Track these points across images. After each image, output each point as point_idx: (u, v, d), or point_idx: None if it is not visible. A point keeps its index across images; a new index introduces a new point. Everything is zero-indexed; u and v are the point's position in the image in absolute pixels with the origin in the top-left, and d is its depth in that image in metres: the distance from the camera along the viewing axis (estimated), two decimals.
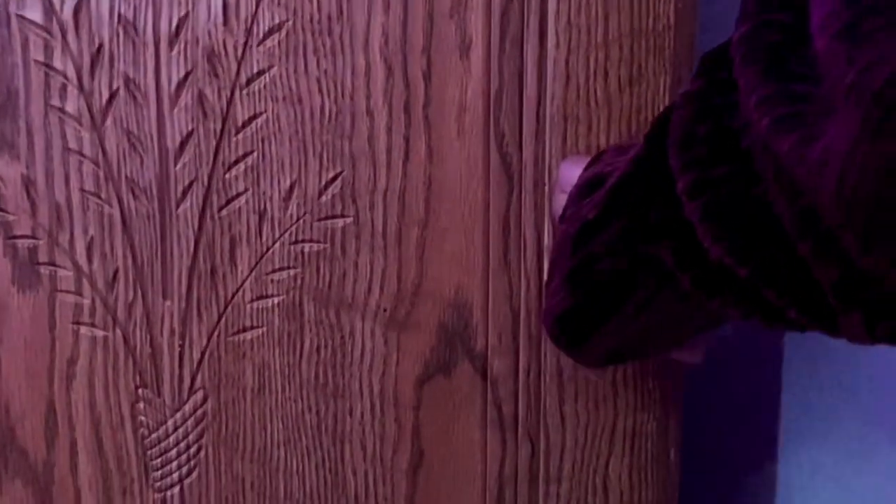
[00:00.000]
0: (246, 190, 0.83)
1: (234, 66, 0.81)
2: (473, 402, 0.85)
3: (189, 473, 0.87)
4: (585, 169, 0.72)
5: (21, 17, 0.81)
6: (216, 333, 0.85)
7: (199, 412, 0.86)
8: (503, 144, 0.81)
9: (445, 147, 0.82)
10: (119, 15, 0.81)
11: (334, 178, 0.83)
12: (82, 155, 0.83)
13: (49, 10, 0.81)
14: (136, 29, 0.81)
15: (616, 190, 0.63)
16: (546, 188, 0.81)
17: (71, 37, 0.81)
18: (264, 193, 0.83)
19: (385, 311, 0.84)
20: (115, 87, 0.82)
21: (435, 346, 0.85)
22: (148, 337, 0.85)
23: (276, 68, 0.81)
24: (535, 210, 0.82)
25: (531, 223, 0.82)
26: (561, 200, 0.74)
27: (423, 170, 0.82)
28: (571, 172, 0.75)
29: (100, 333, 0.85)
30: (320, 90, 0.81)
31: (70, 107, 0.82)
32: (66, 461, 0.87)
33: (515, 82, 0.80)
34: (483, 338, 0.84)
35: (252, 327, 0.85)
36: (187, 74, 0.82)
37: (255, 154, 0.82)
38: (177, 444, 0.87)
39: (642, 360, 0.84)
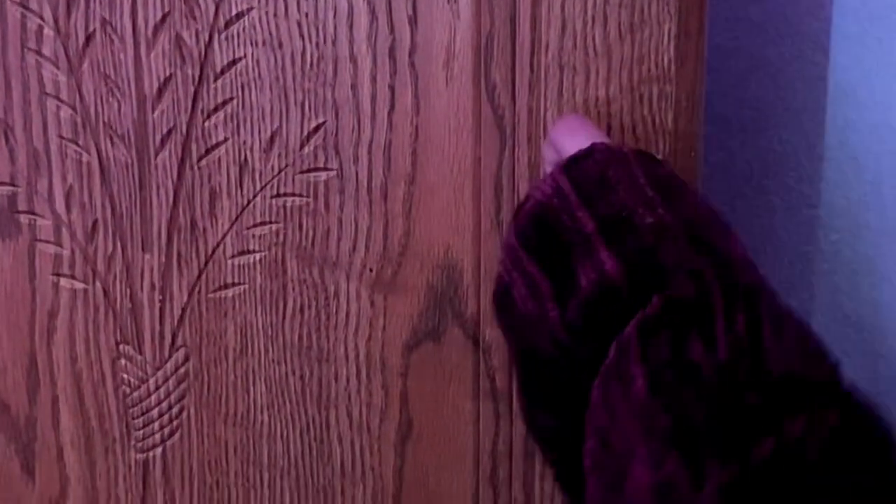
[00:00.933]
0: (226, 139, 0.79)
1: (211, 8, 0.77)
2: (465, 370, 0.80)
3: (171, 435, 0.83)
4: (580, 161, 0.67)
5: None
6: (197, 289, 0.81)
7: (181, 371, 0.82)
8: (494, 95, 0.75)
9: (433, 97, 0.76)
10: None
11: (317, 129, 0.78)
12: (59, 100, 0.79)
13: None
14: None
15: None
16: (541, 143, 0.75)
17: None
18: (244, 143, 0.79)
19: (371, 270, 0.79)
20: (91, 28, 0.78)
21: (423, 311, 0.79)
22: (128, 291, 0.82)
23: (255, 11, 0.76)
24: (529, 167, 0.76)
25: (525, 181, 0.76)
26: (547, 165, 0.70)
27: (409, 121, 0.77)
28: (564, 140, 0.70)
29: (80, 286, 0.82)
30: (301, 34, 0.76)
31: (47, 49, 0.79)
32: (49, 417, 0.84)
33: (507, 28, 0.74)
34: (474, 302, 0.79)
35: (233, 284, 0.81)
36: (164, 16, 0.77)
37: (235, 102, 0.78)
38: (158, 403, 0.83)
39: None
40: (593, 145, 0.67)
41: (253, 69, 0.77)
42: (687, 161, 0.75)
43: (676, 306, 0.59)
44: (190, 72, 0.78)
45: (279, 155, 0.78)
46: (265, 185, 0.79)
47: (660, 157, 0.74)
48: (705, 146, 0.77)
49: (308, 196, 0.79)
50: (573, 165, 0.67)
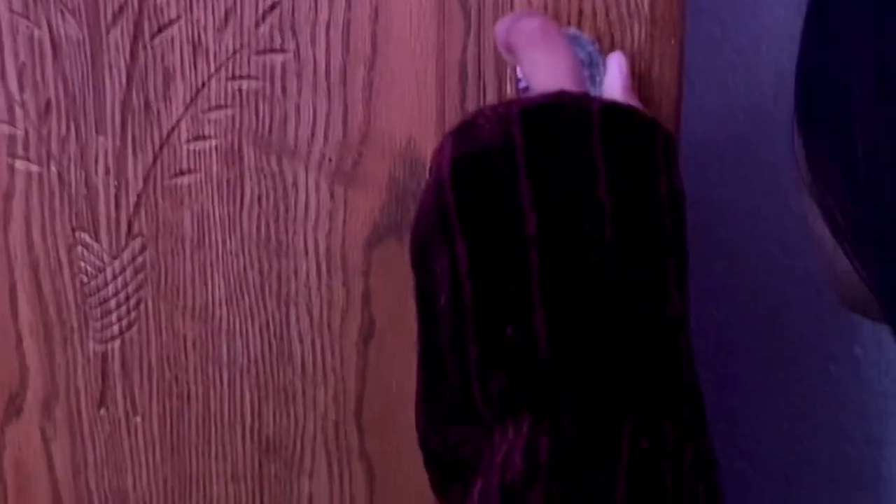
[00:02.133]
0: (178, 17, 0.74)
1: None
2: None
3: (129, 327, 0.80)
4: (542, 112, 0.60)
5: None
6: (152, 175, 0.77)
7: (138, 261, 0.79)
8: None
9: None
10: None
11: (272, 7, 0.73)
12: None
13: None
14: None
15: None
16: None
17: None
18: (198, 21, 0.74)
19: (330, 160, 0.74)
20: None
21: (385, 205, 0.75)
22: (83, 175, 0.78)
23: None
24: (495, 53, 0.70)
25: (492, 68, 0.71)
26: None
27: (368, 0, 0.71)
28: (527, 56, 0.63)
29: (34, 169, 0.78)
30: None
31: None
32: (7, 304, 0.81)
33: None
34: None
35: (189, 171, 0.77)
36: None
37: None
38: (116, 294, 0.80)
39: None
40: (561, 95, 0.60)
41: None
42: (667, 48, 0.69)
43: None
44: None
45: (234, 34, 0.73)
46: (220, 66, 0.74)
47: (636, 44, 0.68)
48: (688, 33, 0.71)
49: (264, 79, 0.74)
50: (533, 114, 0.60)
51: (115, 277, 0.79)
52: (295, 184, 0.75)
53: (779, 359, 1.04)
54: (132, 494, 0.82)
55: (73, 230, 0.79)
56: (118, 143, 0.77)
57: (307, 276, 0.77)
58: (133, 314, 0.80)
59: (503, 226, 0.58)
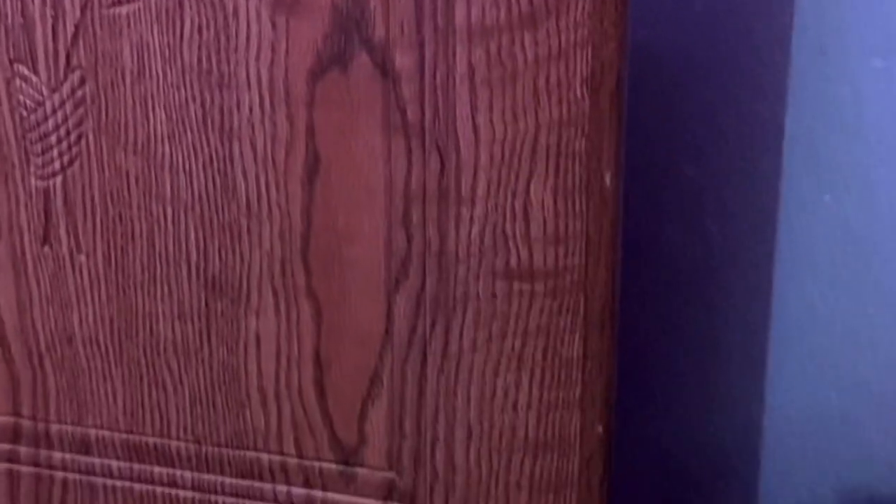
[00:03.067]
0: None
1: None
2: (374, 102, 0.73)
3: (71, 163, 0.78)
4: None
5: None
6: (90, 4, 0.74)
7: (78, 94, 0.77)
8: None
9: None
10: None
11: None
12: None
13: None
14: None
15: None
16: None
17: None
18: None
19: None
20: None
21: (328, 34, 0.72)
22: (19, 5, 0.75)
23: None
24: None
25: None
26: None
27: None
28: None
29: None
30: None
31: None
32: None
33: None
34: (382, 27, 0.71)
35: (127, 0, 0.74)
36: None
37: None
38: (56, 128, 0.78)
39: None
40: None
41: None
42: None
43: None
44: None
45: None
46: None
47: None
48: None
49: None
50: None
51: (54, 111, 0.77)
52: (235, 12, 0.73)
53: None
54: (78, 333, 0.81)
55: (11, 62, 0.77)
56: None
57: (250, 109, 0.75)
58: (74, 149, 0.78)
59: None
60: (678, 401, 1.08)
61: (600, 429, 0.75)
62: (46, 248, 0.80)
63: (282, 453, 0.79)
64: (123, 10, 0.74)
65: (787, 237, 1.00)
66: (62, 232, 0.80)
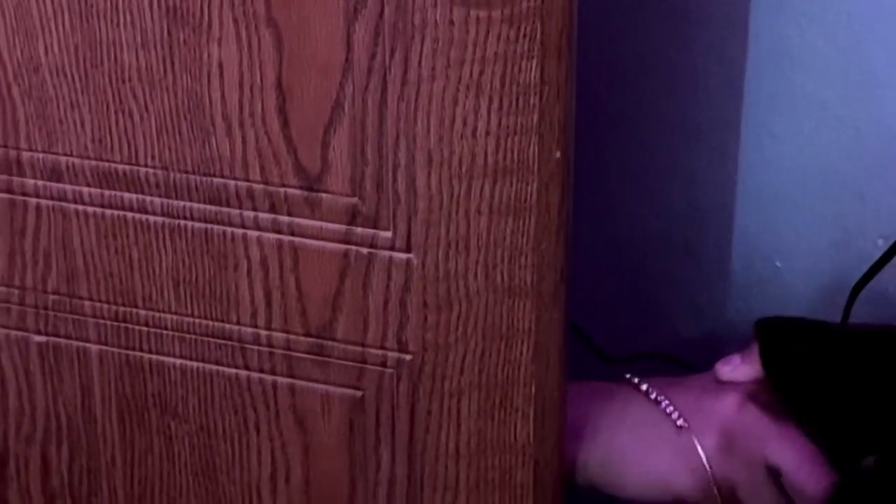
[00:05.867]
0: None
1: None
2: None
3: None
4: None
5: None
6: None
7: None
8: None
9: None
10: None
11: None
12: None
13: None
14: None
15: None
16: None
17: None
18: None
19: None
20: None
21: None
22: None
23: None
24: None
25: None
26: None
27: None
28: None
29: None
30: None
31: None
32: None
33: None
34: None
35: None
36: None
37: None
38: None
39: None
40: None
41: None
42: None
43: None
44: None
45: None
46: None
47: None
48: None
49: None
50: None
51: None
52: None
53: None
54: (44, 61, 0.82)
55: None
56: None
57: None
58: None
59: None
60: (655, 139, 1.09)
61: (558, 154, 0.77)
62: None
63: (248, 180, 0.81)
64: None
65: None
66: None
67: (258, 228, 0.82)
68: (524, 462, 0.82)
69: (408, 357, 0.82)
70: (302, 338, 0.84)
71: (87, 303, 0.87)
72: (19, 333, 0.89)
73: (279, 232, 0.82)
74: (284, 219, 0.82)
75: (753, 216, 1.08)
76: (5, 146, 0.85)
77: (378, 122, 0.77)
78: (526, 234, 0.77)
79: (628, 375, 0.93)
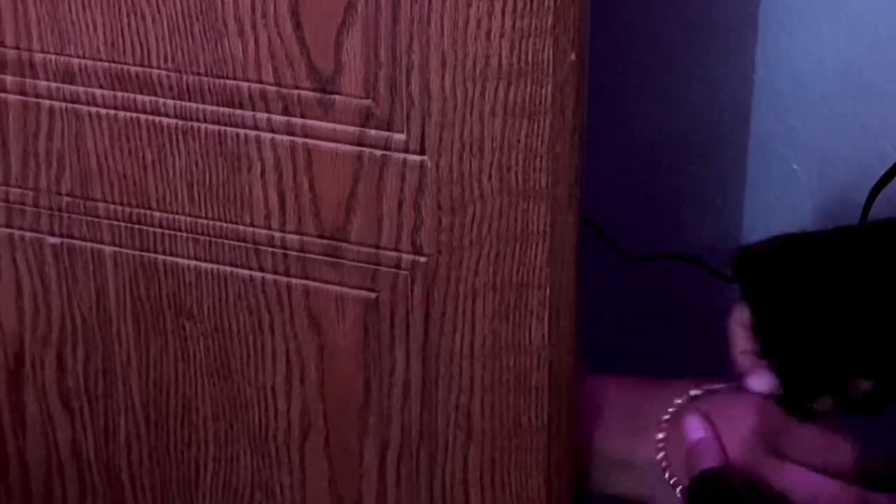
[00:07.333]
0: None
1: None
2: None
3: None
4: None
5: None
6: None
7: None
8: None
9: None
10: None
11: None
12: None
13: None
14: None
15: None
16: None
17: None
18: None
19: None
20: None
21: None
22: None
23: None
24: None
25: None
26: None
27: None
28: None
29: None
30: None
31: None
32: None
33: None
34: None
35: None
36: None
37: None
38: None
39: None
40: None
41: None
42: None
43: None
44: None
45: None
46: None
47: None
48: None
49: None
50: None
51: None
52: None
53: None
54: None
55: None
56: None
57: None
58: None
59: None
60: (673, 39, 1.08)
61: (573, 56, 0.76)
62: None
63: (261, 82, 0.81)
64: None
65: None
66: None
67: (271, 130, 0.82)
68: (539, 364, 0.82)
69: (422, 259, 0.82)
70: (316, 239, 0.84)
71: (100, 204, 0.87)
72: (34, 235, 0.90)
73: (292, 134, 0.81)
74: (297, 121, 0.81)
75: (770, 117, 1.07)
76: (18, 48, 0.84)
77: (392, 23, 0.77)
78: (540, 136, 0.77)
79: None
